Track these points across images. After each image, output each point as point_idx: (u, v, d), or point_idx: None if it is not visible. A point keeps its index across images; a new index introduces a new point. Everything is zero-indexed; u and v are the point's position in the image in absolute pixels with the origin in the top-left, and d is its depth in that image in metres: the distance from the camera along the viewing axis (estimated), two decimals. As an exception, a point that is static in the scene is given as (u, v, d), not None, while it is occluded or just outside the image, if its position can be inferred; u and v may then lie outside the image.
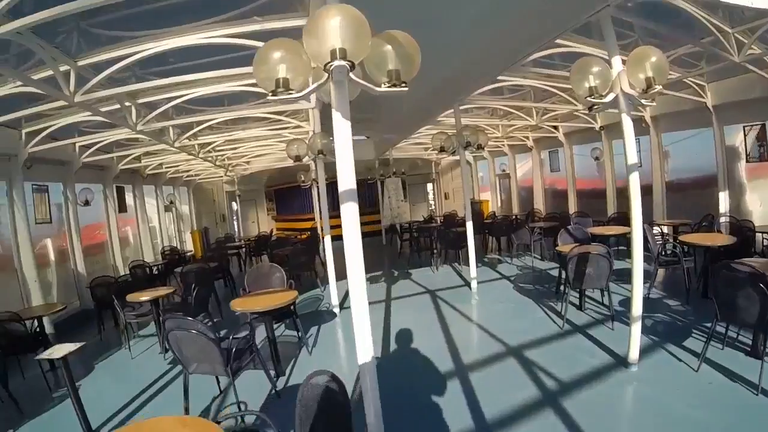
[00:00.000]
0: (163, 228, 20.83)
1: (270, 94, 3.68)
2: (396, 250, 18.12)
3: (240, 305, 7.26)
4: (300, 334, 8.51)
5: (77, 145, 12.58)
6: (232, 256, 18.11)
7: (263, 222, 28.88)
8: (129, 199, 17.72)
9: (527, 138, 20.47)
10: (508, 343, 7.50)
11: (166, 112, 9.97)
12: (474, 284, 11.14)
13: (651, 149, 14.56)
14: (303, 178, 18.05)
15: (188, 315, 6.31)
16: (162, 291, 9.59)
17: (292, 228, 22.51)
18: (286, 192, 24.42)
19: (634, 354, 6.13)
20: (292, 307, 8.04)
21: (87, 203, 13.78)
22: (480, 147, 10.53)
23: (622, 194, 16.35)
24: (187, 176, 22.92)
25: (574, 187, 18.71)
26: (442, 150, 10.91)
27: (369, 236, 23.66)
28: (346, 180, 4.17)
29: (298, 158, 9.97)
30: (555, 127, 18.31)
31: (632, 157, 6.05)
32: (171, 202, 21.68)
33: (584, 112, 15.42)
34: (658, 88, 5.43)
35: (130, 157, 15.57)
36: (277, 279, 8.88)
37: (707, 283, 8.60)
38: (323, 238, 12.06)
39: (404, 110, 12.17)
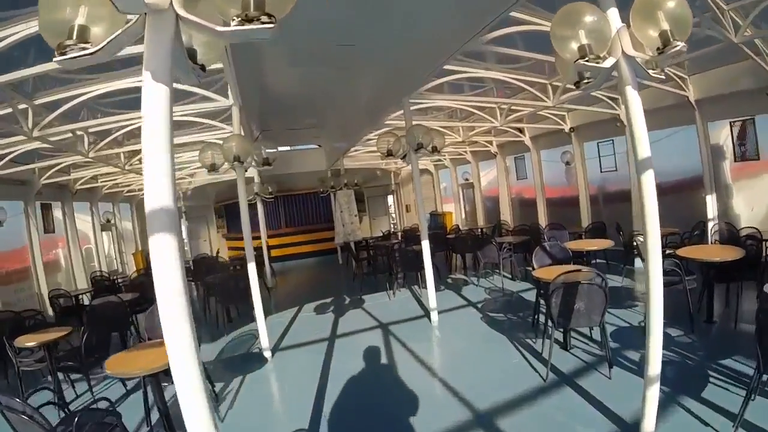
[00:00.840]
0: (100, 250, 18.84)
1: (57, 52, 2.20)
2: (351, 271, 16.10)
3: (116, 365, 5.27)
4: (213, 391, 6.69)
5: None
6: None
7: (216, 241, 26.75)
8: (58, 217, 16.19)
9: (491, 143, 18.78)
10: (474, 405, 5.55)
11: (74, 115, 8.90)
12: (434, 315, 9.20)
13: (628, 150, 12.88)
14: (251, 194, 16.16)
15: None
16: (52, 334, 7.36)
17: (242, 247, 20.30)
18: (234, 207, 21.52)
19: (649, 425, 4.21)
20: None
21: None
22: (435, 150, 8.70)
23: (596, 202, 14.90)
24: (128, 191, 20.94)
25: (544, 196, 17.12)
26: (389, 154, 9.00)
27: (324, 255, 22.00)
28: (157, 188, 2.32)
29: (213, 167, 7.99)
30: (520, 131, 16.75)
31: (644, 149, 4.14)
32: (108, 221, 19.78)
33: (553, 111, 13.86)
34: (679, 45, 3.57)
35: (53, 170, 13.94)
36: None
37: (712, 306, 7.31)
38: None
39: (348, 111, 10.98)
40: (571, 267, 7.10)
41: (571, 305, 5.81)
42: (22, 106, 7.84)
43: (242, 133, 8.71)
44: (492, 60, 9.54)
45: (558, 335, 6.95)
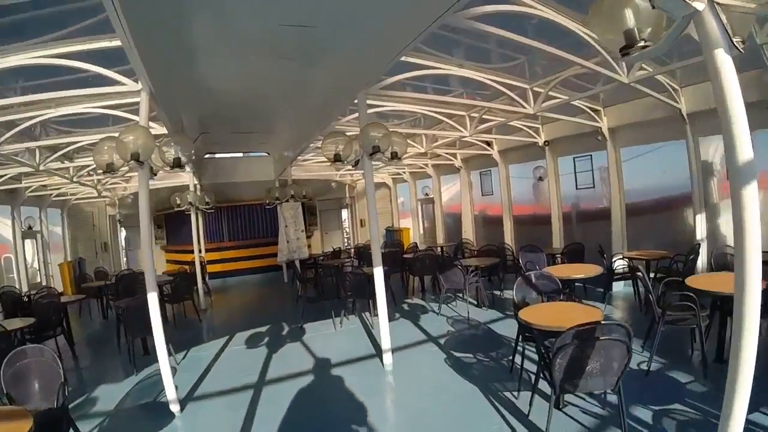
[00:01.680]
0: (19, 259, 16.68)
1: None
2: (296, 291, 14.18)
3: None
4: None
5: None
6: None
7: (157, 253, 24.16)
8: None
9: (454, 156, 17.24)
10: None
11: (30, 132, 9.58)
12: (388, 357, 7.36)
13: (609, 166, 11.72)
14: (179, 201, 14.28)
15: None
16: None
17: (182, 261, 18.45)
18: (175, 217, 19.72)
19: None
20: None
21: None
22: (395, 157, 6.99)
23: (568, 220, 13.45)
24: (57, 195, 18.65)
25: (511, 214, 15.58)
26: (337, 159, 7.24)
27: (269, 271, 20.00)
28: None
29: (110, 168, 6.22)
30: (488, 144, 15.27)
31: (745, 148, 2.56)
32: (30, 227, 17.56)
33: (527, 123, 12.51)
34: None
35: (5, 177, 12.93)
36: (46, 376, 5.30)
37: (723, 343, 6.16)
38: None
39: (294, 111, 10.06)
40: (574, 309, 5.54)
41: (581, 365, 4.14)
42: None
43: (152, 127, 6.94)
44: (465, 55, 7.97)
45: (545, 387, 5.17)
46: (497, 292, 11.38)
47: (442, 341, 8.39)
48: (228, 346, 9.72)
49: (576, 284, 9.42)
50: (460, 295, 11.02)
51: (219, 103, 9.24)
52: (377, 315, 7.63)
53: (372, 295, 8.53)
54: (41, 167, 11.59)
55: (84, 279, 17.43)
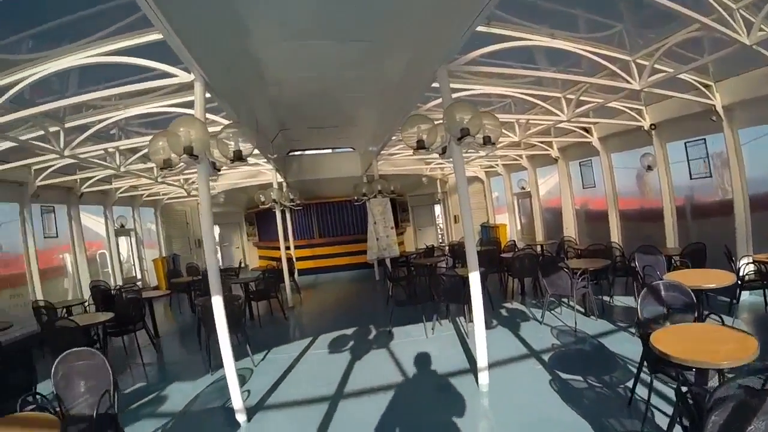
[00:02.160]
0: (113, 256, 17.03)
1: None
2: (387, 290, 13.23)
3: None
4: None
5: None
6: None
7: (249, 249, 24.56)
8: (62, 221, 14.68)
9: (550, 146, 15.86)
10: None
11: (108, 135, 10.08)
12: (484, 376, 6.26)
13: (727, 150, 9.94)
14: (263, 199, 13.77)
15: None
16: None
17: (274, 257, 18.05)
18: (266, 214, 19.21)
19: None
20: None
21: None
22: (488, 142, 5.85)
23: (682, 216, 11.81)
24: (149, 195, 19.03)
25: (617, 208, 14.01)
26: (420, 147, 6.16)
27: (360, 269, 19.20)
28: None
29: (167, 163, 5.54)
30: (587, 130, 13.77)
31: None
32: (122, 226, 17.83)
33: (630, 104, 11.11)
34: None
35: (50, 170, 12.38)
36: (96, 380, 5.01)
37: None
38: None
39: (371, 100, 9.54)
40: (721, 335, 4.37)
41: (742, 425, 3.01)
42: (53, 129, 8.58)
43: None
44: (555, 25, 6.86)
45: None
46: (606, 298, 10.05)
47: (545, 357, 7.25)
48: (310, 348, 9.09)
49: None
50: (565, 300, 9.85)
51: (289, 95, 8.72)
52: (472, 321, 6.62)
53: (467, 299, 7.58)
54: (122, 168, 11.91)
55: (177, 274, 17.68)
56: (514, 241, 16.88)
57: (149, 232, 20.67)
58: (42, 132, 8.46)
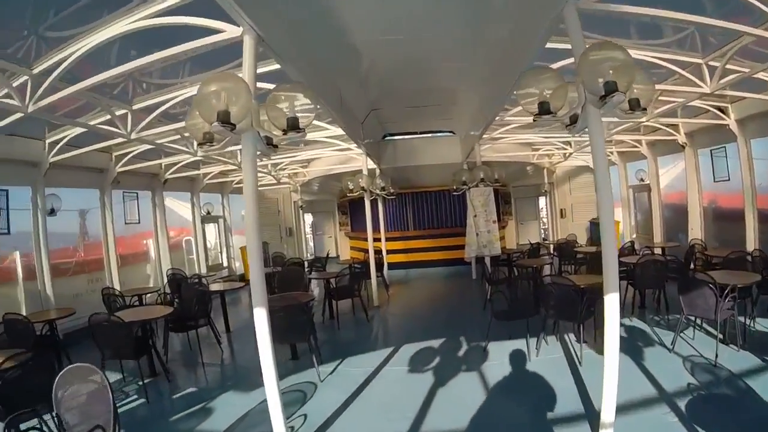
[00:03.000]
0: (198, 243, 16.58)
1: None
2: (484, 294, 11.51)
3: None
4: None
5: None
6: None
7: (341, 239, 23.29)
8: (145, 207, 14.65)
9: (677, 130, 13.28)
10: None
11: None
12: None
13: None
14: (351, 186, 12.40)
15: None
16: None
17: (364, 248, 16.43)
18: (360, 204, 16.44)
19: None
20: None
21: (53, 212, 10.81)
22: (637, 107, 3.87)
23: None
24: (239, 182, 18.04)
25: (755, 207, 11.37)
26: (544, 111, 4.16)
27: (457, 265, 17.19)
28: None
29: (207, 137, 4.27)
30: (722, 110, 11.18)
31: None
32: (208, 212, 17.29)
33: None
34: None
35: (130, 156, 12.09)
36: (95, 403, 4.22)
37: None
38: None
39: (475, 61, 7.42)
40: None
41: None
42: (120, 112, 8.14)
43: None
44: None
45: None
46: (747, 321, 7.67)
47: (680, 403, 5.32)
48: (389, 362, 7.71)
49: None
50: (698, 321, 7.79)
51: (375, 64, 7.46)
52: (585, 342, 4.85)
53: (585, 317, 5.84)
54: (199, 154, 11.40)
55: (266, 263, 16.45)
56: (632, 242, 14.40)
57: (241, 219, 19.89)
58: (108, 116, 7.98)
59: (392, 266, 16.37)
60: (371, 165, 13.54)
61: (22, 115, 6.56)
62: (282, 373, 6.91)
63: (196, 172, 15.20)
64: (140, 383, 6.99)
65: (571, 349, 7.37)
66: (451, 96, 9.83)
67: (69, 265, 12.37)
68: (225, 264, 18.44)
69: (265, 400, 4.29)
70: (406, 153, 15.44)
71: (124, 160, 12.20)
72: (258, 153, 4.67)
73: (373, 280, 12.30)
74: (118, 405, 6.07)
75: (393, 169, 15.22)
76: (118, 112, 8.10)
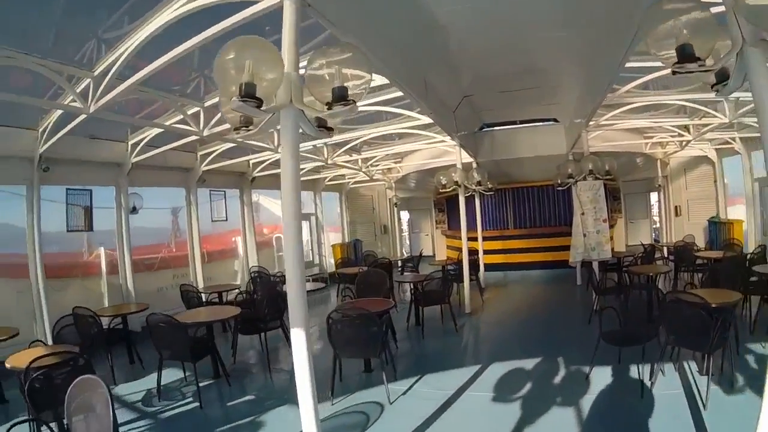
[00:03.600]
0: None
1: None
2: (590, 305, 9.91)
3: None
4: None
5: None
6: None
7: (437, 237, 21.90)
8: (233, 205, 14.44)
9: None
10: None
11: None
12: None
13: None
14: (443, 181, 11.30)
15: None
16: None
17: (461, 248, 14.83)
18: (456, 200, 15.45)
19: None
20: None
21: (134, 210, 11.02)
22: None
23: None
24: (331, 180, 17.65)
25: None
26: (686, 59, 2.67)
27: (560, 267, 15.20)
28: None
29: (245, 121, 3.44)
30: None
31: None
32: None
33: None
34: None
35: (214, 154, 12.04)
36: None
37: None
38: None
39: (578, 36, 6.18)
40: None
41: None
42: (193, 110, 8.25)
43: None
44: None
45: None
46: None
47: None
48: (471, 384, 6.51)
49: None
50: None
51: (460, 40, 6.24)
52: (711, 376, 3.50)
53: (716, 347, 4.49)
54: (280, 150, 10.23)
55: (350, 263, 16.13)
56: (765, 246, 11.75)
57: (333, 217, 19.59)
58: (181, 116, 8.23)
59: (489, 268, 14.93)
60: (467, 158, 12.34)
61: (85, 116, 6.81)
62: (350, 388, 6.52)
63: (343, 181, 15.55)
64: (197, 386, 6.45)
65: (693, 385, 5.75)
66: (551, 77, 8.36)
67: (154, 261, 12.88)
68: (317, 261, 17.82)
69: (329, 418, 3.43)
70: (505, 145, 13.67)
71: (208, 159, 12.19)
72: (302, 133, 3.75)
73: (465, 284, 11.03)
74: (172, 406, 6.41)
75: (491, 163, 13.68)
76: (191, 111, 8.22)
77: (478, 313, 10.92)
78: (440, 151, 13.84)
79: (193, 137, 8.98)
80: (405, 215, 23.17)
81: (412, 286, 10.09)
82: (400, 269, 14.74)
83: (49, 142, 8.45)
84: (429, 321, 9.59)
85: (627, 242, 18.48)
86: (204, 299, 10.18)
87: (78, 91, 6.44)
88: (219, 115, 7.97)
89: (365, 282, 9.48)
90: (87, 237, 11.27)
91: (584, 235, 11.15)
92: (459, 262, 11.78)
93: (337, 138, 11.13)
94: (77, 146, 9.25)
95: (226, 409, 6.37)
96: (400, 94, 7.45)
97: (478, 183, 11.91)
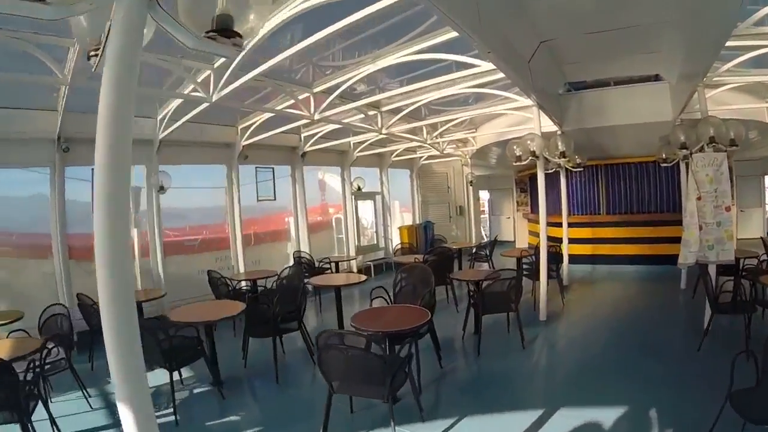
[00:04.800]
0: (349, 221, 14.24)
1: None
2: (700, 320, 7.10)
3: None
4: None
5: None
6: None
7: (519, 221, 18.90)
8: (283, 184, 12.87)
9: None
10: None
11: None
12: None
13: None
14: (518, 152, 8.84)
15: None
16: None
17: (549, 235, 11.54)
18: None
19: None
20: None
21: (162, 189, 9.74)
22: None
23: None
24: (398, 155, 15.32)
25: None
26: None
27: (661, 263, 12.23)
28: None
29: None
30: None
31: None
32: (359, 188, 14.39)
33: None
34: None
35: (254, 126, 10.60)
36: None
37: None
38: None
39: None
40: None
41: None
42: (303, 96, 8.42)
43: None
44: None
45: None
46: None
47: None
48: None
49: None
50: None
51: None
52: None
53: None
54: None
55: (425, 246, 14.47)
56: None
57: (403, 196, 17.39)
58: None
59: (573, 260, 12.14)
60: (549, 126, 9.71)
61: (208, 104, 7.30)
62: (370, 423, 4.78)
63: (341, 141, 12.99)
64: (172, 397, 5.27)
65: None
66: (653, 10, 5.86)
67: (193, 243, 11.60)
68: (382, 245, 15.60)
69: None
70: (596, 109, 10.32)
71: (311, 140, 12.20)
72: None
73: (542, 281, 8.39)
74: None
75: (579, 133, 10.33)
76: (301, 96, 8.37)
77: (555, 322, 8.33)
78: (521, 118, 10.91)
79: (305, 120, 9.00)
80: (485, 195, 20.62)
81: (470, 286, 7.63)
82: (470, 257, 12.50)
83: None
84: (492, 329, 7.41)
85: (736, 235, 14.92)
86: (232, 288, 8.72)
87: (199, 81, 7.00)
88: (330, 99, 8.32)
89: (408, 279, 7.20)
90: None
91: (700, 228, 8.04)
92: (536, 252, 9.17)
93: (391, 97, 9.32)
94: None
95: (204, 429, 5.02)
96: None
97: (562, 155, 9.23)
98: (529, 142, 8.47)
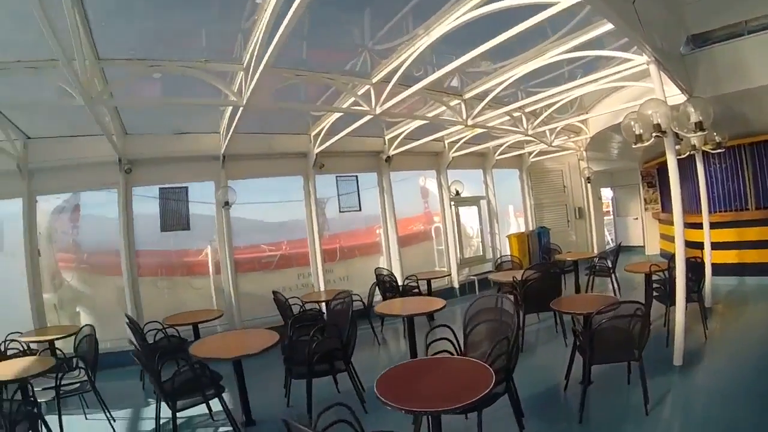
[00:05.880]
0: (449, 231, 12.45)
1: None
2: None
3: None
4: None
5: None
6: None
7: (648, 222, 16.07)
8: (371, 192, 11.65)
9: None
10: None
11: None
12: None
13: None
14: (636, 129, 6.08)
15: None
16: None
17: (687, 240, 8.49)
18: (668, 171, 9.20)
19: None
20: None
21: (227, 204, 9.18)
22: None
23: None
24: (501, 153, 13.44)
25: None
26: None
27: None
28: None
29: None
30: None
31: None
32: (457, 193, 12.74)
33: None
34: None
35: (327, 125, 9.49)
36: None
37: None
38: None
39: None
40: None
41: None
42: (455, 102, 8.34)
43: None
44: None
45: None
46: None
47: None
48: None
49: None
50: None
51: None
52: None
53: None
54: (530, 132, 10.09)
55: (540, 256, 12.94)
56: None
57: (515, 200, 15.24)
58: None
59: (716, 270, 9.05)
60: (674, 94, 7.11)
61: (371, 117, 7.52)
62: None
63: (521, 151, 13.40)
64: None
65: None
66: None
67: (272, 259, 10.93)
68: (489, 256, 13.48)
69: None
70: (731, 68, 7.61)
71: (456, 146, 11.93)
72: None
73: (678, 309, 5.83)
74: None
75: (713, 102, 6.95)
76: (452, 103, 8.28)
77: (695, 367, 5.78)
78: (640, 91, 8.17)
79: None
80: (607, 194, 17.82)
81: (575, 321, 5.70)
82: (588, 270, 10.37)
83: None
84: (605, 376, 5.21)
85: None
86: (296, 310, 7.73)
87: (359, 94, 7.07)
88: (482, 105, 8.14)
89: (480, 316, 4.95)
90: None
91: None
92: (670, 265, 6.75)
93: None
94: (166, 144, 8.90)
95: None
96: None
97: (699, 127, 6.36)
98: (650, 112, 5.89)
